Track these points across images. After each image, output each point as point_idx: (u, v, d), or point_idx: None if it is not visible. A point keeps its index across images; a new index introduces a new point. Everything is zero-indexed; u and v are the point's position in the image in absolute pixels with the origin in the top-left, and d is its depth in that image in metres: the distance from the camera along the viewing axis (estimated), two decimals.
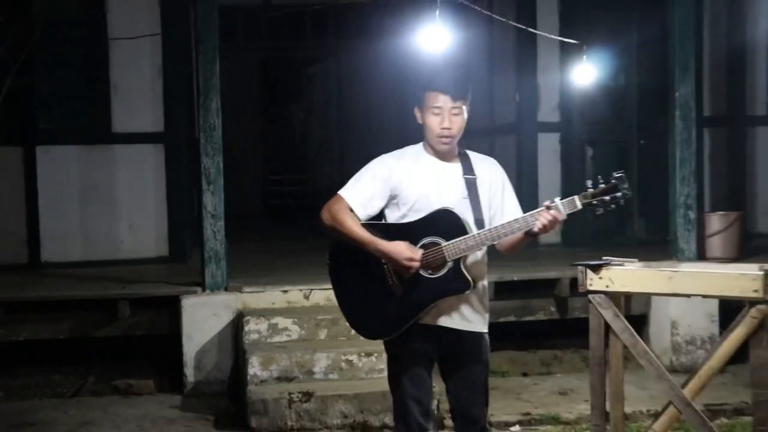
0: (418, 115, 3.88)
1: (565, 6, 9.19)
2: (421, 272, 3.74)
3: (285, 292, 6.99)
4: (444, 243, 3.71)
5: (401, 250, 3.71)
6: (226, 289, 6.90)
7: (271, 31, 14.62)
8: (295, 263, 8.37)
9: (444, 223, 3.73)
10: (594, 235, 9.05)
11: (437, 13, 6.79)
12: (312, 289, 6.99)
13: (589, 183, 3.67)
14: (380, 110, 14.35)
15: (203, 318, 6.77)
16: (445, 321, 3.84)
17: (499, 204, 3.88)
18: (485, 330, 3.94)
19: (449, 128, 3.80)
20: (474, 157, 3.94)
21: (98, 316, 7.00)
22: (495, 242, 3.75)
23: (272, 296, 6.97)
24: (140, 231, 8.63)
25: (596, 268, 4.15)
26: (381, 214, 3.92)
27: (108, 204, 8.58)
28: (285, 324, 6.61)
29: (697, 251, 7.47)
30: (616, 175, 3.65)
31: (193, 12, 7.76)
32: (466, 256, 3.74)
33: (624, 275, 4.08)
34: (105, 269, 8.14)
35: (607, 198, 3.64)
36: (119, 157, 8.61)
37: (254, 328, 6.58)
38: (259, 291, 6.97)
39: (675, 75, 7.29)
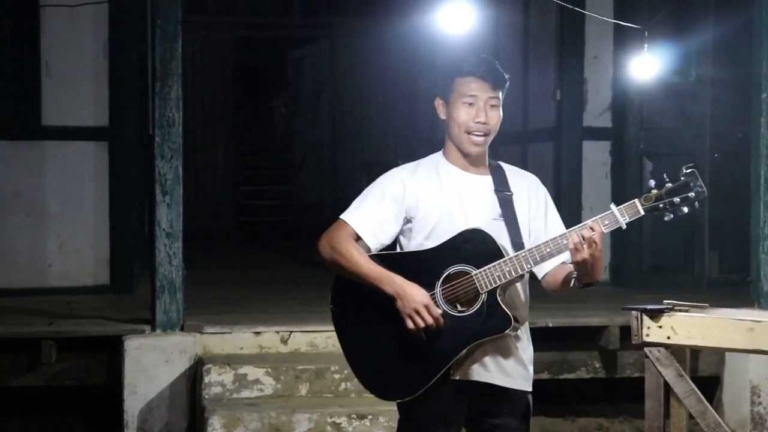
0: (441, 108, 3.89)
1: None
2: (448, 310, 3.73)
3: (257, 334, 6.95)
4: (475, 271, 3.70)
5: (419, 293, 3.70)
6: (182, 329, 6.86)
7: (250, 3, 14.65)
8: (271, 297, 8.34)
9: (473, 246, 3.73)
10: (651, 273, 9.00)
11: None
12: (291, 331, 6.96)
13: (652, 182, 3.68)
14: (385, 107, 14.38)
15: (152, 365, 6.73)
16: (479, 374, 3.83)
17: (540, 228, 3.89)
18: (529, 389, 3.94)
19: (485, 122, 3.81)
20: (509, 170, 3.96)
21: (17, 359, 6.95)
22: (538, 265, 3.73)
23: (241, 339, 6.92)
24: (74, 252, 8.60)
25: (655, 315, 4.12)
26: (394, 243, 3.92)
27: (34, 216, 8.54)
28: (256, 375, 6.57)
29: None
30: (686, 170, 3.67)
31: None
32: (504, 288, 3.73)
33: (690, 324, 4.04)
34: (27, 300, 8.09)
35: (676, 200, 3.65)
36: (50, 156, 8.59)
37: (217, 379, 6.54)
38: (225, 332, 6.93)
39: (762, 71, 7.26)
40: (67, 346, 6.94)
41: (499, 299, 3.71)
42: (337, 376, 6.57)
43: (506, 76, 3.87)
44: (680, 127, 9.44)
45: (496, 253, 3.71)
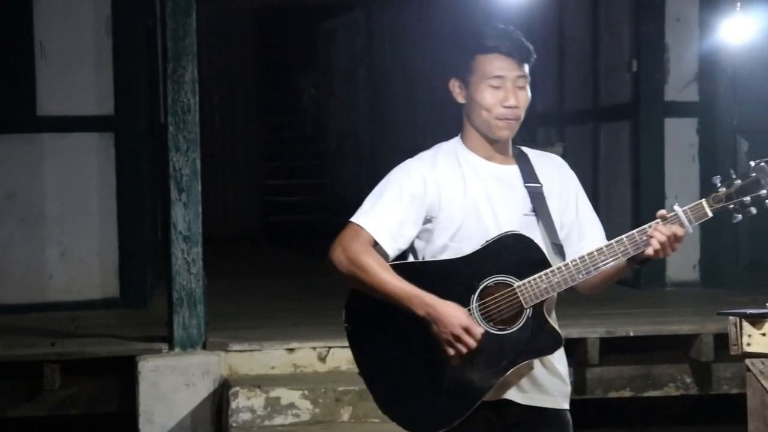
0: (458, 91, 3.89)
1: None
2: (488, 328, 3.72)
3: (291, 351, 7.00)
4: (517, 283, 3.70)
5: (458, 314, 3.68)
6: (204, 347, 6.92)
7: None
8: (305, 308, 8.35)
9: (514, 253, 3.73)
10: (750, 271, 8.94)
11: None
12: (330, 347, 6.98)
13: (718, 180, 3.68)
14: (431, 85, 14.35)
15: (170, 389, 6.77)
16: (513, 395, 3.83)
17: (572, 220, 3.89)
18: (567, 406, 3.94)
19: (516, 106, 3.80)
20: (534, 156, 3.95)
21: (16, 386, 7.01)
22: (590, 276, 3.73)
23: (272, 357, 6.97)
24: (78, 261, 8.65)
25: (757, 320, 4.09)
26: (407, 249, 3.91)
27: (30, 221, 8.60)
28: (291, 398, 6.60)
29: None
30: (754, 165, 3.65)
31: None
32: (547, 300, 3.74)
33: None
34: (25, 317, 8.16)
35: (747, 199, 3.63)
36: (48, 151, 8.65)
37: (245, 404, 6.57)
38: (254, 349, 6.98)
39: None
40: (72, 369, 7.00)
41: (546, 315, 3.72)
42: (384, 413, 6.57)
43: (532, 49, 3.84)
44: None
45: (541, 261, 3.71)
